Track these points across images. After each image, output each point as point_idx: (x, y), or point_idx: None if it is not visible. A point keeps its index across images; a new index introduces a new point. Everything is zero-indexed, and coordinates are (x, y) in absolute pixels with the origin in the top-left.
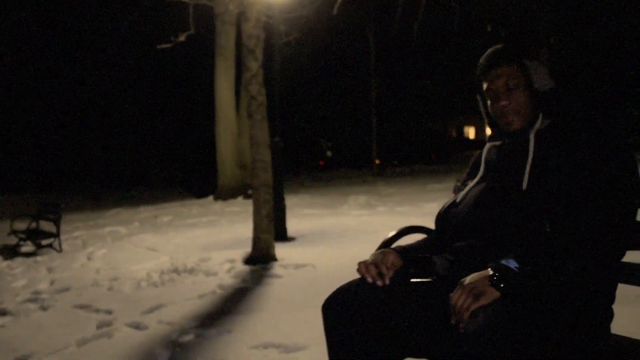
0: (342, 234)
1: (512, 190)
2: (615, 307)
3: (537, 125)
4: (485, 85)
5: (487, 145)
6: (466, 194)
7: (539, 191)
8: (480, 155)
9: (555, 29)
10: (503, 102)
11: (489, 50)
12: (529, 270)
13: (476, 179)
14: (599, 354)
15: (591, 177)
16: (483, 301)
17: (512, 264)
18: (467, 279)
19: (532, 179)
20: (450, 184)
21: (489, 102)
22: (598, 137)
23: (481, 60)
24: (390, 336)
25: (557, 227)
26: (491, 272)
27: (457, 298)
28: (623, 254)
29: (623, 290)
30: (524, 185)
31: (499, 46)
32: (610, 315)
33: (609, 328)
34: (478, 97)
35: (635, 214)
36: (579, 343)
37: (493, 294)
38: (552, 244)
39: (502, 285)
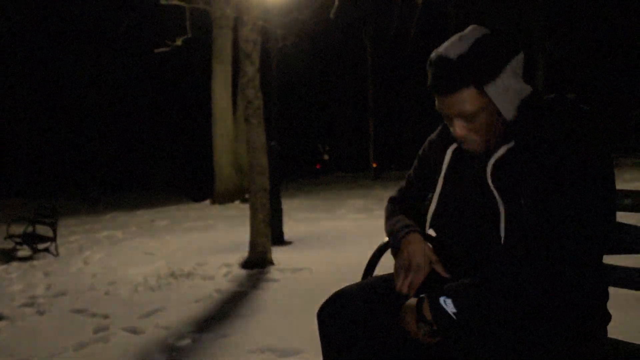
0: (339, 237)
1: (487, 239)
2: (611, 311)
3: (495, 157)
4: (437, 103)
5: (449, 152)
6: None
7: (516, 238)
8: (435, 156)
9: (551, 34)
10: (459, 133)
11: (437, 56)
12: (464, 317)
13: (438, 191)
14: (595, 358)
15: (560, 204)
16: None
17: (450, 307)
18: (406, 304)
19: (508, 229)
20: None
21: None
22: (568, 159)
23: (429, 69)
24: (384, 343)
25: (528, 257)
26: (423, 312)
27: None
28: (601, 257)
29: (619, 294)
30: (502, 240)
31: (451, 58)
32: (606, 317)
33: (605, 331)
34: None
35: (604, 244)
36: (574, 347)
37: (417, 335)
38: (515, 274)
39: (431, 326)
